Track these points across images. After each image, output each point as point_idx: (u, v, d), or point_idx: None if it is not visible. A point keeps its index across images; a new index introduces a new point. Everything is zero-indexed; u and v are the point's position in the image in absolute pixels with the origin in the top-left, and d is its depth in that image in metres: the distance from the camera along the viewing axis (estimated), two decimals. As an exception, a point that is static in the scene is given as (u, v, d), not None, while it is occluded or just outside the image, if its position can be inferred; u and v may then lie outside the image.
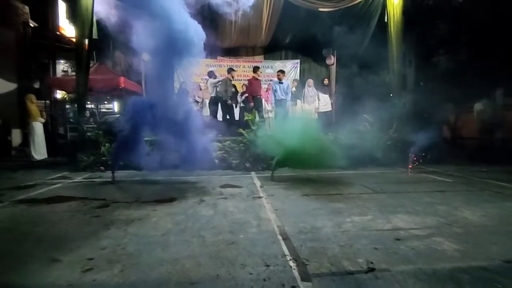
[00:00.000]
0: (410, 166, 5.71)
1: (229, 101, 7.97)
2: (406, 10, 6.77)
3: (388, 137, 6.55)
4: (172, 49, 4.76)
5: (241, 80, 10.16)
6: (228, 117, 8.10)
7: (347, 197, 3.70)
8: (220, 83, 8.07)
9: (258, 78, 8.16)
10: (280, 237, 2.40)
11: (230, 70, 8.28)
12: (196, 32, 4.74)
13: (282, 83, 7.93)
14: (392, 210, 3.13)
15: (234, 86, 8.43)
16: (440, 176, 5.15)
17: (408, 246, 2.23)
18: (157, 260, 2.02)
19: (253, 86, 7.95)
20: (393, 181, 4.71)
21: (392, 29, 6.82)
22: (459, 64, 8.58)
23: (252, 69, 8.58)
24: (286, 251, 2.15)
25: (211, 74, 8.41)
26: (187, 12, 4.71)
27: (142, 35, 5.71)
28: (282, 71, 8.16)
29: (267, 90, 8.88)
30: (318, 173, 5.15)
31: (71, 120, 8.12)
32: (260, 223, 2.74)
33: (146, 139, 5.54)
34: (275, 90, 7.94)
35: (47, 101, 9.39)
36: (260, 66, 8.95)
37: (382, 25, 7.14)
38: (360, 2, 6.97)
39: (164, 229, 2.60)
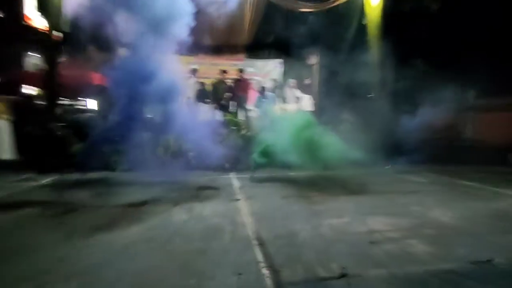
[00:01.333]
0: (389, 166, 5.83)
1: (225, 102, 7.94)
2: (384, 14, 6.90)
3: (368, 136, 6.64)
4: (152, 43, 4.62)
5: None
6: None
7: (326, 199, 3.68)
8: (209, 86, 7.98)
9: (243, 78, 8.37)
10: (255, 243, 2.33)
11: (223, 72, 8.27)
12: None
13: (266, 98, 8.01)
14: (369, 212, 3.15)
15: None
16: (416, 176, 5.26)
17: (382, 250, 2.23)
18: (119, 273, 1.88)
19: (239, 86, 8.03)
20: (371, 182, 4.75)
21: (371, 31, 6.94)
22: (435, 66, 8.87)
23: (237, 70, 8.77)
24: (261, 258, 2.08)
25: (194, 72, 8.24)
26: None
27: (118, 28, 5.48)
28: (264, 87, 8.31)
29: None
30: (297, 174, 5.12)
31: (40, 117, 7.66)
32: (235, 229, 2.65)
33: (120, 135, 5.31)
34: (260, 105, 7.95)
35: (15, 97, 8.82)
36: (242, 68, 8.95)
37: (363, 27, 7.25)
38: (339, 4, 7.01)
39: (132, 236, 2.45)
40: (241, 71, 8.43)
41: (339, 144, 5.39)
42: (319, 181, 4.75)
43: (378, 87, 7.23)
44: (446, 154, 6.90)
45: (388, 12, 7.13)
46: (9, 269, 1.91)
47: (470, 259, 2.08)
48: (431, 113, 8.04)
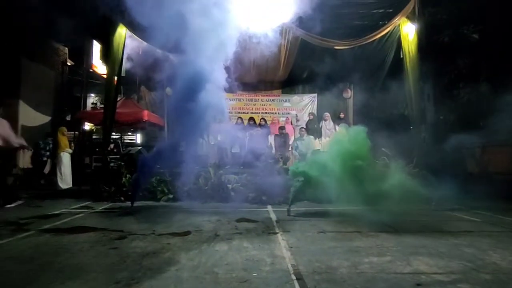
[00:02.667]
0: (434, 203, 5.45)
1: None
2: (421, 46, 6.88)
3: (408, 171, 6.36)
4: (197, 85, 5.05)
5: (259, 113, 10.47)
6: None
7: (366, 235, 3.57)
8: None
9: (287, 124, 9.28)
10: (294, 277, 2.34)
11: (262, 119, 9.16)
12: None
13: (304, 140, 8.17)
14: (414, 252, 2.98)
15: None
16: (466, 214, 4.87)
17: (430, 293, 2.11)
18: (169, 297, 2.02)
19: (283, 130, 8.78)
20: (415, 219, 4.51)
21: (408, 64, 6.92)
22: (480, 97, 8.42)
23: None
24: (300, 293, 2.09)
25: (233, 109, 8.76)
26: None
27: (167, 73, 6.17)
28: (305, 128, 8.53)
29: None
30: (335, 208, 5.02)
31: (97, 150, 8.57)
32: (274, 261, 2.69)
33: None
34: (297, 147, 8.09)
35: (76, 133, 10.02)
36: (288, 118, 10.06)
37: (398, 60, 7.27)
38: (374, 40, 7.17)
39: (178, 264, 2.60)
40: (282, 128, 8.99)
41: (381, 178, 5.21)
42: (358, 216, 4.60)
43: (418, 119, 7.01)
44: (502, 191, 6.31)
45: (426, 43, 7.07)
46: (73, 287, 2.15)
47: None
48: (481, 145, 7.50)
